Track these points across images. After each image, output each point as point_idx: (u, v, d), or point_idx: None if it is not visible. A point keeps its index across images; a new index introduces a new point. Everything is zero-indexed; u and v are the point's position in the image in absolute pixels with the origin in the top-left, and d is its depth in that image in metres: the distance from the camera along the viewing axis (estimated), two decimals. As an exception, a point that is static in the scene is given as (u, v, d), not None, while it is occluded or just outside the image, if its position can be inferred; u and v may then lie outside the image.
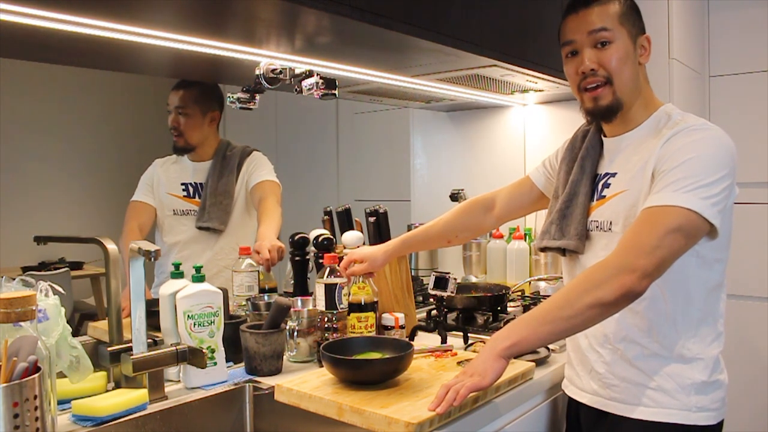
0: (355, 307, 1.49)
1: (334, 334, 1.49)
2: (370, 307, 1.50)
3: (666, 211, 1.09)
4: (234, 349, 1.44)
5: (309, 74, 1.48)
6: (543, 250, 1.40)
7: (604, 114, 1.28)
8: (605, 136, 1.35)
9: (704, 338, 1.21)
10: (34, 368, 0.91)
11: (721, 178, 1.12)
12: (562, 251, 1.35)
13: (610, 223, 1.26)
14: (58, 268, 3.83)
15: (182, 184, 2.21)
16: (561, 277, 2.17)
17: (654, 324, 1.21)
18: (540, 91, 2.18)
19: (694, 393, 1.19)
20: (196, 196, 2.19)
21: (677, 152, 1.15)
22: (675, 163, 1.13)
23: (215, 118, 2.21)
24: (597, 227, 1.30)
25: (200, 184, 2.19)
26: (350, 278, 1.53)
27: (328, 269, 1.52)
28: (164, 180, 2.22)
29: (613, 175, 1.29)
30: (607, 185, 1.30)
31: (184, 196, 2.20)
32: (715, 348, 1.22)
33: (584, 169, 1.35)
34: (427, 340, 1.65)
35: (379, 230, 1.83)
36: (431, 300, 1.79)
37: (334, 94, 1.46)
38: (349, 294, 1.51)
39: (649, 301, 1.20)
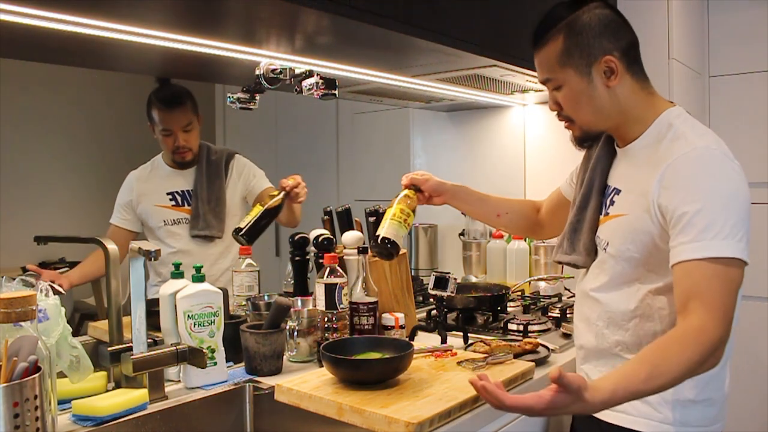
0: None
1: (334, 334, 1.49)
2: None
3: (722, 273, 1.05)
4: (234, 349, 1.44)
5: (309, 74, 1.48)
6: (557, 263, 1.40)
7: (581, 142, 1.30)
8: (618, 146, 1.31)
9: None
10: (34, 368, 0.91)
11: (740, 210, 1.08)
12: (571, 266, 1.35)
13: (607, 243, 1.25)
14: (58, 268, 3.83)
15: (168, 193, 2.17)
16: (561, 277, 2.18)
17: (643, 342, 1.19)
18: (540, 91, 2.18)
19: (679, 408, 1.18)
20: (185, 204, 2.16)
21: (690, 194, 1.08)
22: (695, 207, 1.07)
23: (200, 120, 2.19)
24: (599, 244, 1.29)
25: (187, 191, 2.17)
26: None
27: (328, 269, 1.52)
28: (147, 192, 2.18)
29: (618, 192, 1.26)
30: (612, 202, 1.27)
31: (173, 205, 2.17)
32: None
33: (593, 182, 1.32)
34: (427, 340, 1.65)
35: (379, 230, 1.82)
36: (431, 300, 1.79)
37: (334, 94, 1.46)
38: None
39: (639, 319, 1.20)
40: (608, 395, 1.01)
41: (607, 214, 1.27)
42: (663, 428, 1.18)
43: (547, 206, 1.58)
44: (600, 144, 1.34)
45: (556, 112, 1.29)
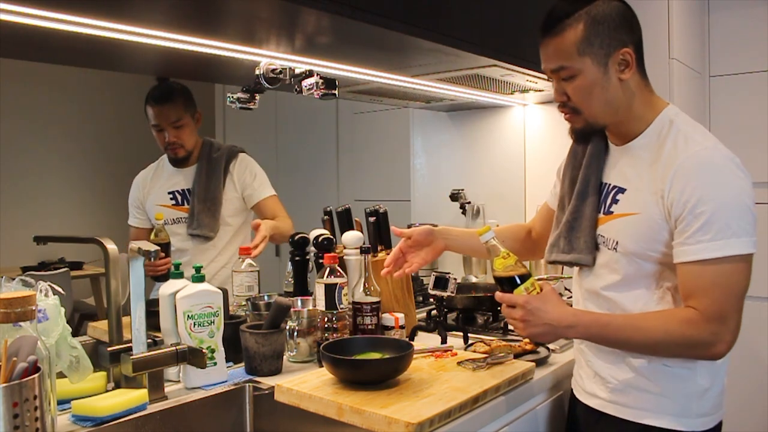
0: (508, 282, 1.20)
1: (334, 334, 1.49)
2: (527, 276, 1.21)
3: (732, 271, 1.10)
4: (234, 349, 1.44)
5: (309, 74, 1.48)
6: (552, 263, 1.37)
7: (581, 136, 1.28)
8: (613, 143, 1.31)
9: None
10: (34, 368, 0.91)
11: (749, 208, 1.11)
12: (572, 265, 1.33)
13: (617, 243, 1.23)
14: (58, 268, 3.83)
15: (169, 192, 2.20)
16: (561, 277, 2.18)
17: None
18: (540, 91, 2.18)
19: (696, 399, 1.19)
20: (185, 203, 2.18)
21: (706, 193, 1.10)
22: (712, 206, 1.09)
23: (199, 118, 2.21)
24: (603, 242, 1.27)
25: (187, 190, 2.19)
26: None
27: (328, 269, 1.52)
28: (151, 192, 2.21)
29: (623, 190, 1.24)
30: (616, 200, 1.25)
31: (173, 204, 2.19)
32: None
33: (589, 179, 1.31)
34: (427, 340, 1.65)
35: (379, 230, 1.83)
36: (431, 300, 1.79)
37: (334, 94, 1.46)
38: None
39: None
40: (572, 315, 1.18)
41: (610, 212, 1.26)
42: (684, 421, 1.19)
43: (541, 224, 1.55)
44: (592, 142, 1.33)
45: (559, 104, 1.26)
